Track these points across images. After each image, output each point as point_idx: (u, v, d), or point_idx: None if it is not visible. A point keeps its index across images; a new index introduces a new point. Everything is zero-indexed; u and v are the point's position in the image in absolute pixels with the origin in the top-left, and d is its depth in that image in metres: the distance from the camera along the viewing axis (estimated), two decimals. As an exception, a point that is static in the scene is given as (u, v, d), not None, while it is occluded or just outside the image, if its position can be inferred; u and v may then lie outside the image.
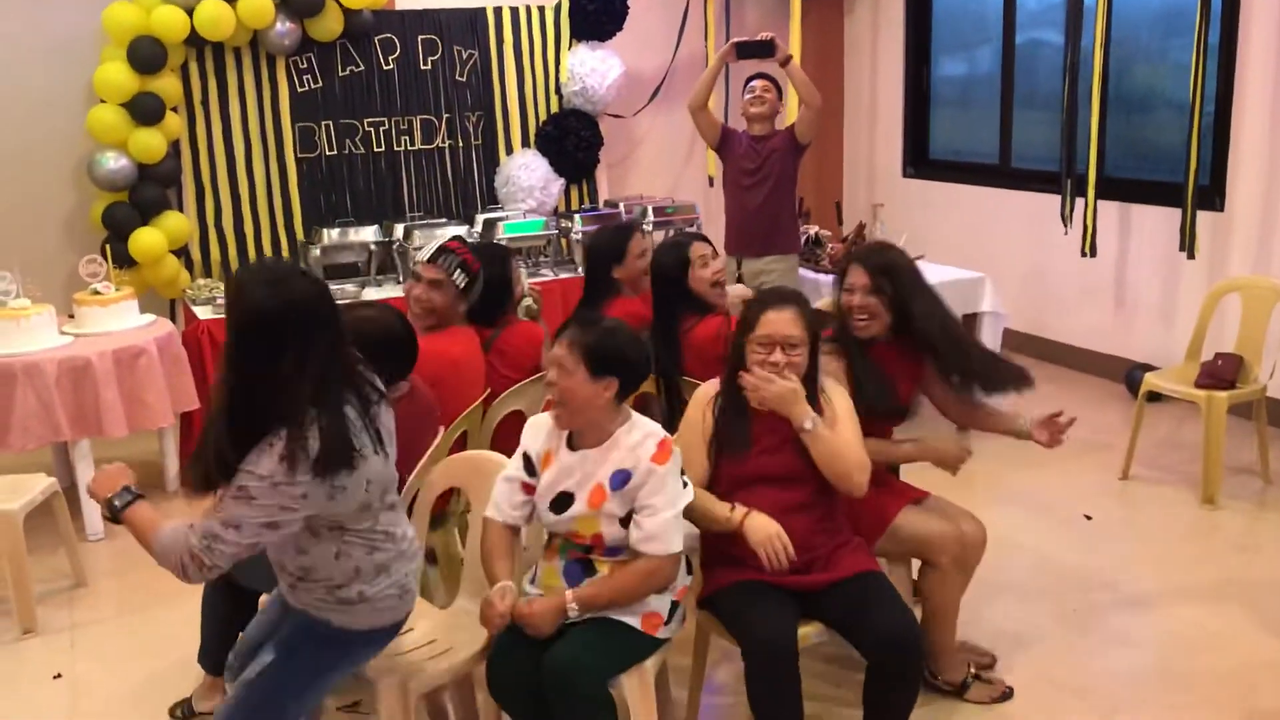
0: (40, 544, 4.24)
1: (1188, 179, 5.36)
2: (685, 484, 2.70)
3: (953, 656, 3.20)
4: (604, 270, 4.01)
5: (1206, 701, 3.19)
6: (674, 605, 2.73)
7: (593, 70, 6.65)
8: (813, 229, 5.90)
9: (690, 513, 2.74)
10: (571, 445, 2.70)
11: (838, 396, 2.92)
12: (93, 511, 4.59)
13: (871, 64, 7.75)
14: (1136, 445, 4.83)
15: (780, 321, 2.79)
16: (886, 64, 7.63)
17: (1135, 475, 4.85)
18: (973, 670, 3.22)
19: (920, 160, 7.56)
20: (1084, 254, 5.87)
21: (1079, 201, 5.87)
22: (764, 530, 2.69)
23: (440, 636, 2.86)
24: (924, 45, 7.45)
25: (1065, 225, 5.97)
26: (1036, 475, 4.94)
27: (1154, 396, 4.98)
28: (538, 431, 2.76)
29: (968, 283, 5.34)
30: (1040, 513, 4.55)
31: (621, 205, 6.21)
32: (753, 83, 5.32)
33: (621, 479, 2.61)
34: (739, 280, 5.14)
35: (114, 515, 2.39)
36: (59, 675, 3.58)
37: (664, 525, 2.59)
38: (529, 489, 2.72)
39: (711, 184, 7.51)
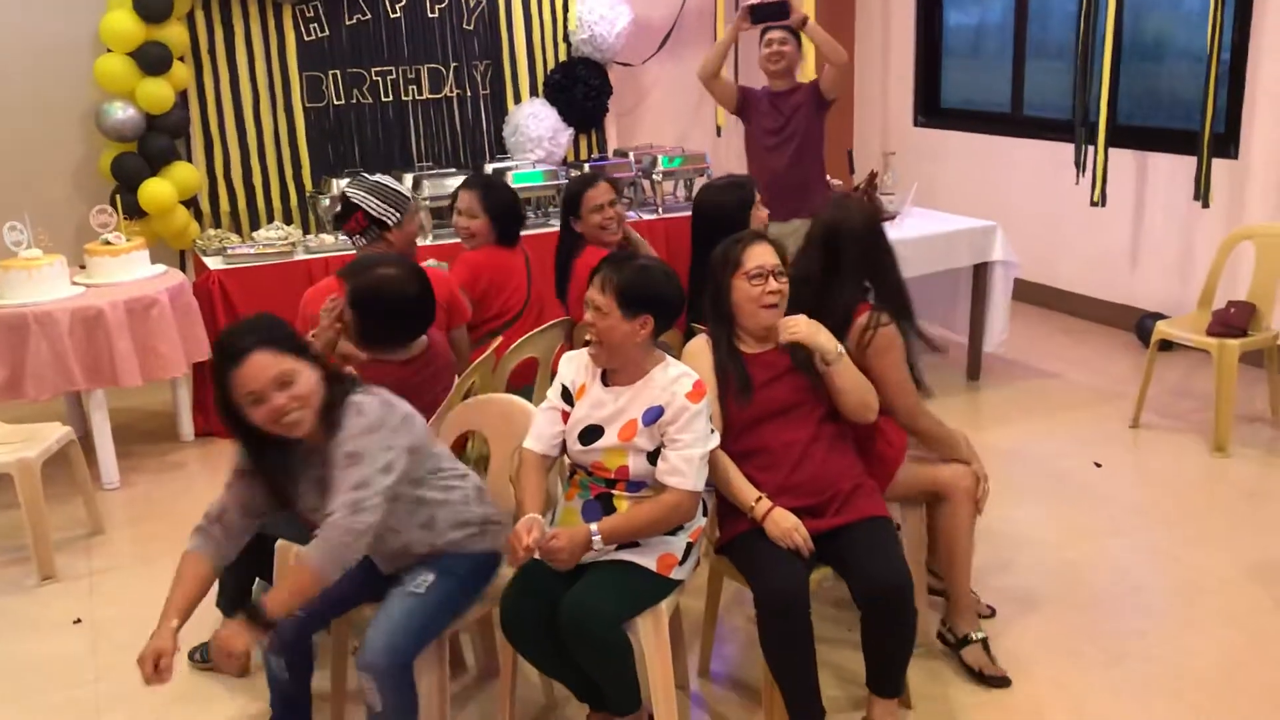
0: (58, 493, 4.28)
1: (1203, 126, 5.31)
2: (713, 430, 2.72)
3: (967, 607, 3.17)
4: (565, 223, 4.00)
5: (1214, 646, 3.22)
6: (689, 546, 2.75)
7: (601, 18, 6.59)
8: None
9: (718, 482, 2.79)
10: (606, 381, 2.74)
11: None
12: (108, 459, 4.63)
13: (883, 11, 7.66)
14: (1147, 394, 4.83)
15: (764, 253, 2.85)
16: (899, 11, 7.54)
17: (1146, 424, 4.85)
18: (981, 636, 3.16)
19: (932, 109, 7.50)
20: (1093, 203, 5.83)
21: (1090, 149, 5.82)
22: (783, 525, 2.71)
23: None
24: (936, -9, 7.37)
25: (1079, 173, 5.93)
26: (1046, 423, 4.95)
27: (1166, 345, 4.98)
28: (573, 364, 2.80)
29: (979, 231, 5.31)
30: (1050, 460, 4.56)
31: (631, 154, 6.17)
32: (769, 34, 5.08)
33: (654, 414, 2.64)
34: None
35: (267, 623, 2.36)
36: (79, 620, 3.63)
37: (690, 461, 2.61)
38: (567, 417, 2.75)
39: (720, 134, 7.47)
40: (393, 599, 2.59)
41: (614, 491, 2.69)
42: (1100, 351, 5.88)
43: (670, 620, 3.01)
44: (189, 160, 6.04)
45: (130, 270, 4.86)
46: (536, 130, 6.50)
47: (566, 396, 2.78)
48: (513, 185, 5.75)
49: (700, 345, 2.92)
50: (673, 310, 2.73)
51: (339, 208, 3.53)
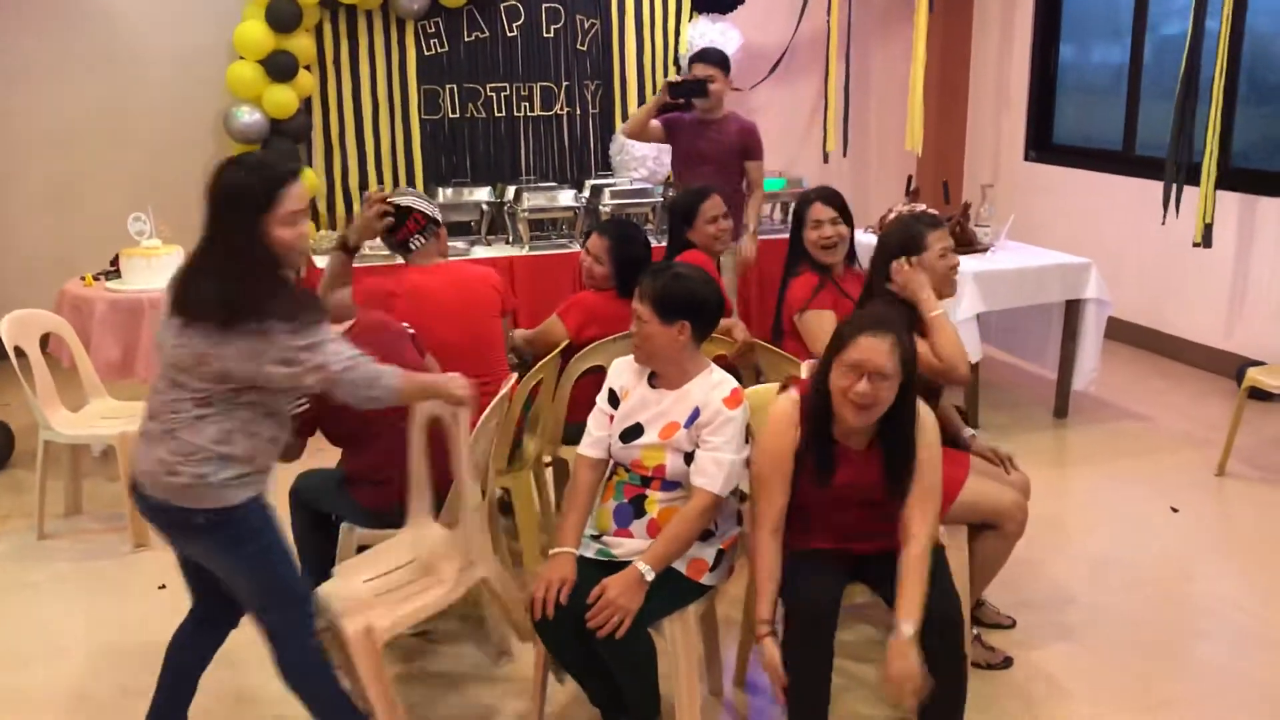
0: (159, 467, 4.56)
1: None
2: (748, 442, 2.79)
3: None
4: (678, 230, 4.12)
5: (1265, 702, 3.14)
6: (720, 553, 2.82)
7: (711, 43, 6.70)
8: (918, 207, 5.85)
9: (751, 560, 2.72)
10: (652, 383, 2.85)
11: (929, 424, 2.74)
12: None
13: (1000, 44, 7.61)
14: (1236, 442, 4.70)
15: (874, 349, 2.53)
16: (1015, 45, 7.48)
17: (1232, 472, 4.72)
18: (975, 632, 3.24)
19: (1044, 144, 7.41)
20: (1196, 244, 5.69)
21: (1190, 190, 5.69)
22: (768, 661, 2.60)
23: (421, 557, 2.99)
24: (1054, 27, 7.29)
25: (1166, 213, 5.79)
26: (1129, 465, 4.86)
27: (1266, 395, 4.84)
28: (622, 370, 2.92)
29: (1072, 268, 5.25)
30: (1127, 501, 4.49)
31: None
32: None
33: (694, 417, 2.74)
34: None
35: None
36: (164, 586, 3.87)
37: (719, 464, 2.70)
38: (612, 420, 2.87)
39: (827, 160, 7.51)
40: (258, 623, 2.60)
41: (648, 492, 2.79)
42: (1196, 397, 5.72)
43: (706, 627, 3.10)
44: (309, 164, 6.36)
45: (242, 264, 5.14)
46: (641, 150, 6.65)
47: (613, 400, 2.89)
48: (610, 201, 5.95)
49: (787, 410, 2.72)
50: (710, 315, 2.82)
51: (389, 222, 3.60)
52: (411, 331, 3.40)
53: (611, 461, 2.90)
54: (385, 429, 3.13)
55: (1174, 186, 5.74)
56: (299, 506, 3.33)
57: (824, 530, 2.77)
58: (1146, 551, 4.06)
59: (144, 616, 3.68)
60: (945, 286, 3.23)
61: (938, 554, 2.82)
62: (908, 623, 2.52)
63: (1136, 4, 6.57)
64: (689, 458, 2.74)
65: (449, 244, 3.89)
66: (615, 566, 2.73)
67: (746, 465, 2.81)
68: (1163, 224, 5.83)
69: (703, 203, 4.07)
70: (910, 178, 6.24)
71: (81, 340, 4.54)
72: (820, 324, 3.49)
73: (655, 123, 5.30)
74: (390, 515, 3.20)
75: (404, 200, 3.64)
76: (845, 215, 3.72)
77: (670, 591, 2.74)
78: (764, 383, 3.86)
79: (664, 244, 5.81)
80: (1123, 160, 6.73)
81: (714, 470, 2.70)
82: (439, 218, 3.70)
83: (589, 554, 2.80)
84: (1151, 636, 3.48)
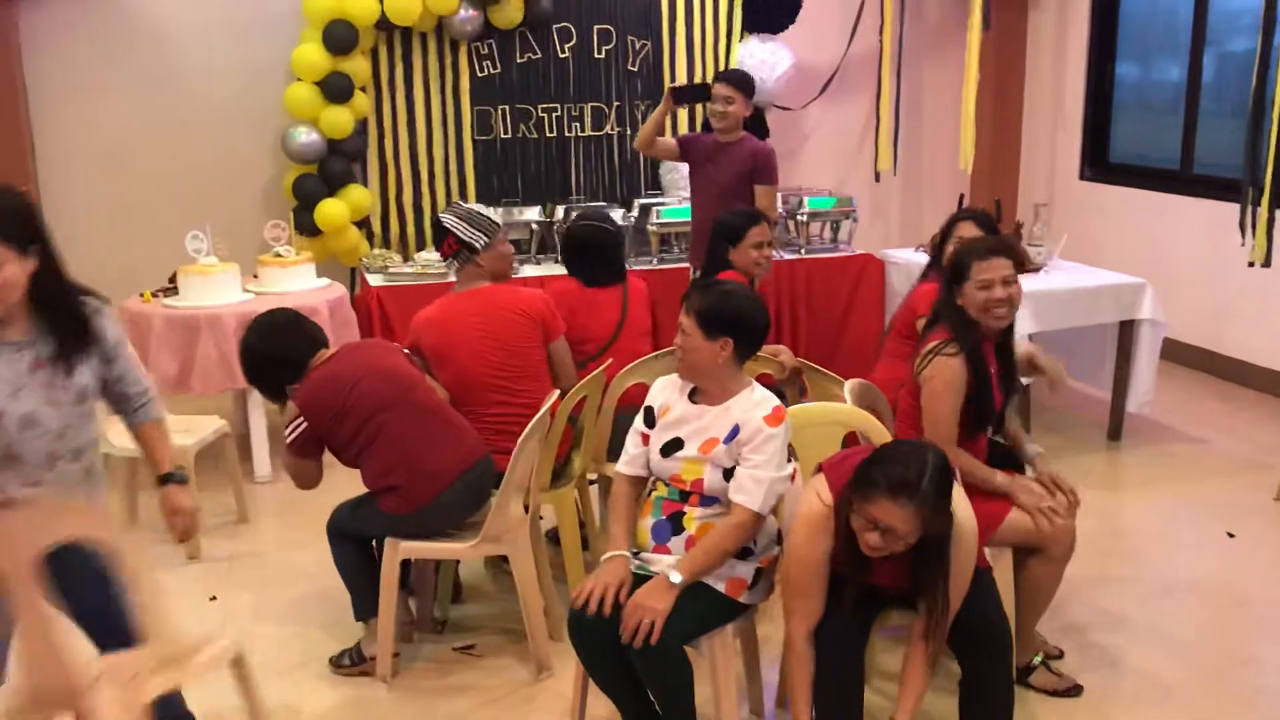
0: (212, 482, 4.66)
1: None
2: (792, 460, 2.78)
3: (1028, 644, 3.20)
4: (720, 248, 4.09)
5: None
6: (758, 572, 2.82)
7: (761, 62, 6.72)
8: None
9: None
10: (693, 399, 2.85)
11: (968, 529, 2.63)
12: (261, 454, 4.98)
13: (1054, 62, 7.54)
14: (1297, 467, 4.61)
15: (891, 515, 2.44)
16: (1070, 63, 7.41)
17: (1293, 498, 4.62)
18: (1042, 657, 3.21)
19: (1099, 163, 7.33)
20: (1251, 263, 5.58)
21: (1257, 211, 5.59)
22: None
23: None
24: (1109, 45, 7.21)
25: (1243, 235, 5.69)
26: (1184, 489, 4.77)
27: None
28: (663, 387, 2.93)
29: (1127, 288, 5.18)
30: (1181, 523, 4.41)
31: (779, 195, 6.25)
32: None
33: (734, 433, 2.73)
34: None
35: None
36: (214, 597, 3.94)
37: (757, 482, 2.69)
38: (647, 440, 2.87)
39: (878, 179, 7.49)
40: None
41: (686, 507, 2.79)
42: (1254, 420, 5.61)
43: (746, 647, 3.10)
44: (364, 183, 6.46)
45: (296, 281, 5.24)
46: (682, 169, 6.65)
47: (649, 419, 2.89)
48: (659, 220, 5.98)
49: (819, 517, 2.62)
50: (754, 334, 2.81)
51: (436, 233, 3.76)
52: (406, 351, 3.49)
53: (651, 478, 2.91)
54: (377, 433, 3.19)
55: (1250, 209, 5.60)
56: (339, 538, 3.38)
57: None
58: (1201, 577, 3.98)
59: (195, 626, 3.74)
60: (985, 317, 3.06)
61: (985, 576, 2.80)
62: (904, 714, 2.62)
63: (1195, 21, 6.48)
64: (728, 474, 2.74)
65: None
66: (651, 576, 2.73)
67: (790, 480, 2.79)
68: (1242, 245, 5.70)
69: (752, 227, 4.05)
70: (962, 197, 6.21)
71: (139, 355, 4.63)
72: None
73: (670, 140, 5.27)
74: (422, 520, 3.24)
75: (446, 219, 3.66)
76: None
77: (708, 609, 2.74)
78: (806, 401, 3.86)
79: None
80: (1180, 179, 6.63)
81: (753, 487, 2.69)
82: (477, 245, 3.62)
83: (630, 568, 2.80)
84: (1205, 662, 3.41)
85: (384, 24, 6.18)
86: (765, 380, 4.49)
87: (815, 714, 2.67)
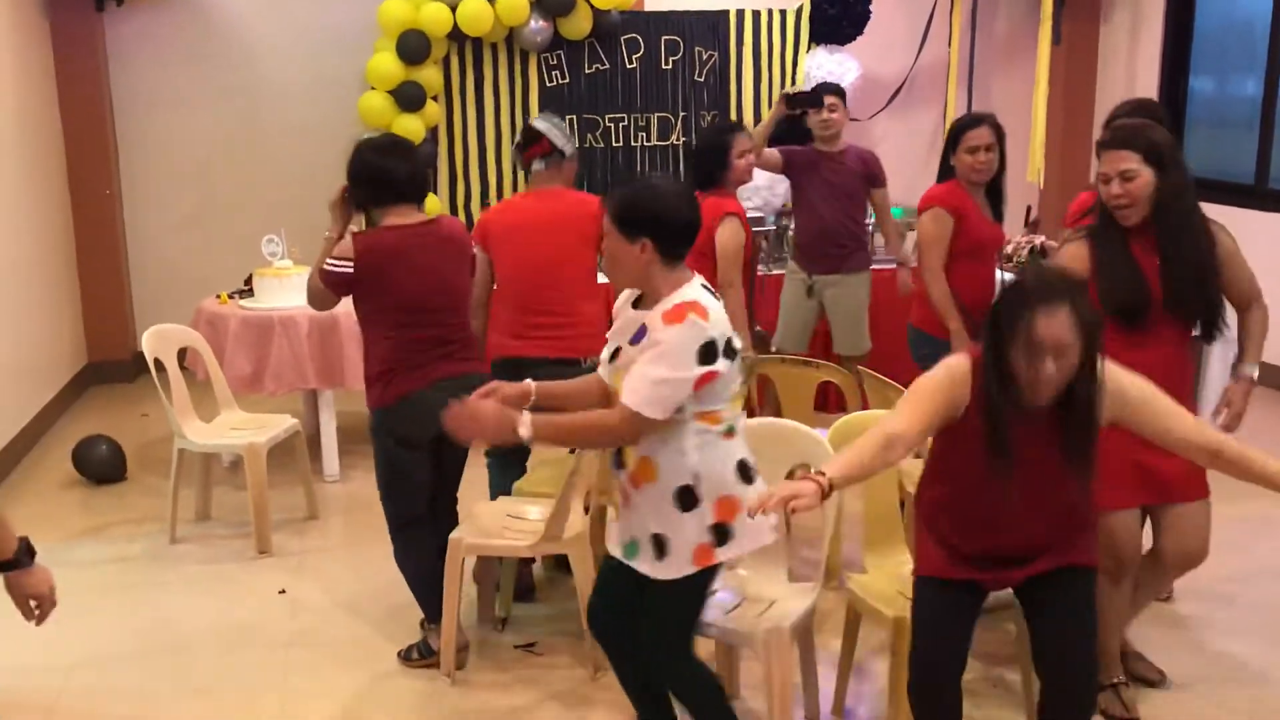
0: (284, 479, 4.78)
1: None
2: (705, 364, 2.48)
3: (1113, 659, 3.12)
4: (946, 159, 4.29)
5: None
6: (719, 528, 2.58)
7: (829, 74, 6.73)
8: (1038, 239, 5.77)
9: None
10: (635, 306, 2.66)
11: (1127, 383, 2.48)
12: (331, 454, 5.09)
13: (1126, 75, 7.46)
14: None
15: (1053, 326, 2.31)
16: (1142, 76, 7.32)
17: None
18: (1115, 679, 3.13)
19: (1172, 177, 7.21)
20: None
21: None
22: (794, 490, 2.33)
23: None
24: (1183, 58, 7.11)
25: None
26: (1255, 505, 4.67)
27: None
28: (622, 298, 2.73)
29: (1197, 303, 5.10)
30: (1253, 541, 4.36)
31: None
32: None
33: (639, 334, 2.55)
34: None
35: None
36: (283, 591, 4.05)
37: (642, 378, 2.47)
38: None
39: (945, 191, 7.44)
40: None
41: None
42: (1330, 440, 5.49)
43: (803, 653, 3.11)
44: (434, 191, 6.57)
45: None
46: (756, 179, 6.67)
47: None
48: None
49: (962, 368, 2.48)
50: (674, 233, 2.55)
51: (521, 139, 3.91)
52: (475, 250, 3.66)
53: None
54: (395, 328, 3.31)
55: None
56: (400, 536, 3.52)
57: (968, 552, 2.57)
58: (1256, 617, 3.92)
59: (264, 619, 3.85)
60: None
61: (1089, 579, 2.59)
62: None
63: (1273, 35, 6.38)
64: None
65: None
66: (638, 573, 2.65)
67: (695, 390, 2.49)
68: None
69: (969, 129, 4.28)
70: (1029, 208, 6.16)
71: (215, 355, 4.78)
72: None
73: (774, 152, 5.31)
74: (402, 414, 3.31)
75: (540, 124, 3.85)
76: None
77: (685, 591, 2.61)
78: (863, 409, 3.83)
79: (769, 272, 5.94)
80: (1255, 194, 6.52)
81: (637, 385, 2.46)
82: (568, 151, 3.84)
83: (616, 553, 2.72)
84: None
85: (456, 34, 6.30)
86: (827, 388, 4.54)
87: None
